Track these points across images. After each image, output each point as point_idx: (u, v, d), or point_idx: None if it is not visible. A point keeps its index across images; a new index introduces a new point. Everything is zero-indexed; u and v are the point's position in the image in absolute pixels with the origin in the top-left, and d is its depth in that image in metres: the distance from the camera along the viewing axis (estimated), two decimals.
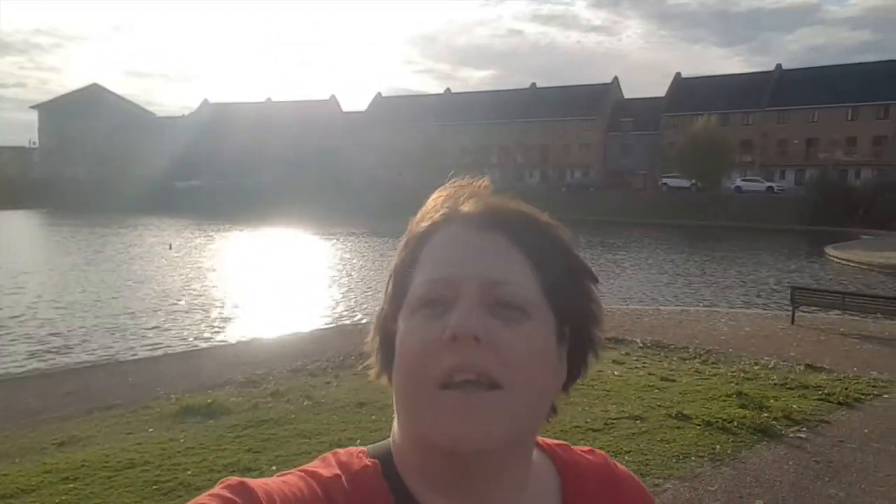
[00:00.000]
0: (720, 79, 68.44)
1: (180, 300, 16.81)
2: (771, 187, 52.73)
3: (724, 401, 7.05)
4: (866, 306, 12.50)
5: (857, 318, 12.77)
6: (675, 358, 9.50)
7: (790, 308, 12.56)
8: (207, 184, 72.07)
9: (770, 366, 9.02)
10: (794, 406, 6.88)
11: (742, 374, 8.41)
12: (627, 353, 9.54)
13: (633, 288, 19.44)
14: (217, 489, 0.60)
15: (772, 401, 7.06)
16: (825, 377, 8.36)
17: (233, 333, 13.30)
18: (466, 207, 0.68)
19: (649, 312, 13.60)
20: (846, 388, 7.73)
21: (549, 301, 0.66)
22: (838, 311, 13.04)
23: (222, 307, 15.97)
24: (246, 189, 66.77)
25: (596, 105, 71.93)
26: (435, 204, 0.71)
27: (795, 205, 45.79)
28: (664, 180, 56.80)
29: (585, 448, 0.79)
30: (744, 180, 54.57)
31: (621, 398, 7.13)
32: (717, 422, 6.18)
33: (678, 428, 6.09)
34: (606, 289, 18.99)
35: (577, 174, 70.22)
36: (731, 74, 70.58)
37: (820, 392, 7.53)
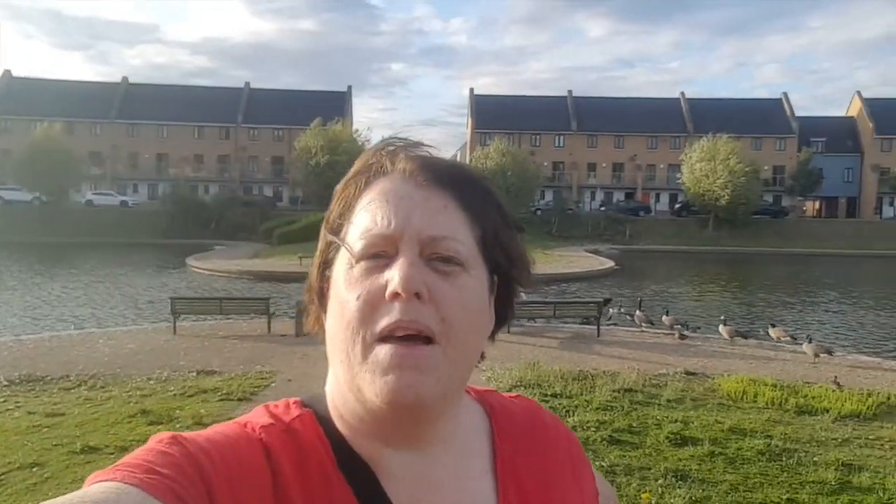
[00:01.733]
0: (63, 84, 63.78)
1: None
2: (125, 201, 52.66)
3: (130, 422, 6.69)
4: (241, 308, 13.63)
5: (231, 319, 13.77)
6: (56, 390, 8.38)
7: (171, 319, 12.60)
8: None
9: (164, 378, 8.91)
10: (202, 410, 7.03)
11: (139, 392, 8.03)
12: None
13: None
14: (150, 444, 0.59)
15: (178, 411, 7.00)
16: (219, 379, 8.72)
17: None
18: (403, 162, 0.68)
19: (8, 344, 11.62)
20: (240, 385, 8.24)
21: (483, 253, 0.67)
22: (218, 317, 13.85)
23: None
24: None
25: None
26: (373, 156, 0.70)
27: (152, 218, 46.64)
28: None
29: (513, 394, 0.84)
30: (95, 194, 52.95)
31: (3, 448, 5.88)
32: (131, 445, 5.68)
33: (89, 462, 5.38)
34: None
35: None
36: (76, 81, 66.77)
37: (219, 393, 7.83)
